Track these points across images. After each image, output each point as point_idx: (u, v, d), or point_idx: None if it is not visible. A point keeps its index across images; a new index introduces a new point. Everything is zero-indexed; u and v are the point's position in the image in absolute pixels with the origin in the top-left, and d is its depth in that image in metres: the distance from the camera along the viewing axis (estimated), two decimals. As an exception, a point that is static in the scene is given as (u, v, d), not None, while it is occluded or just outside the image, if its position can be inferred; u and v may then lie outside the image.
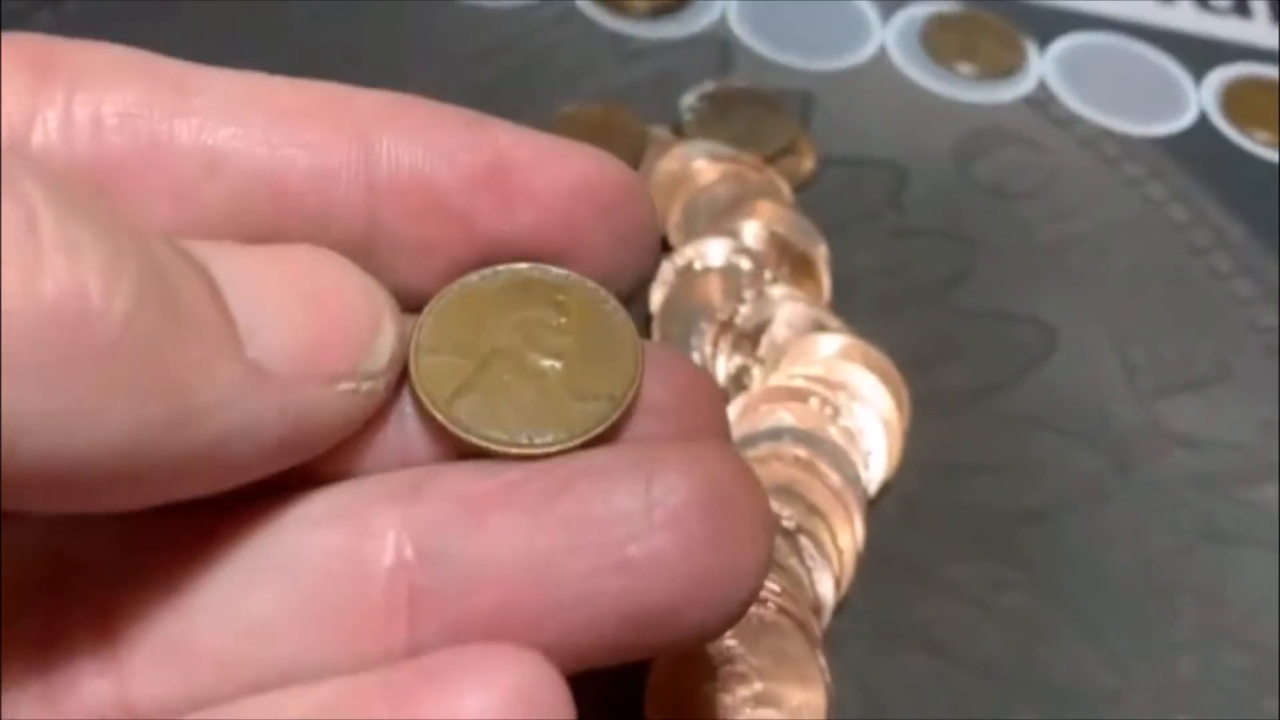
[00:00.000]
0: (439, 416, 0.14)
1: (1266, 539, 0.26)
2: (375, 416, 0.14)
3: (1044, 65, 0.35)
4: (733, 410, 0.24)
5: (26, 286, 0.10)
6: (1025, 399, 0.28)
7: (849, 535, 0.23)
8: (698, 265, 0.26)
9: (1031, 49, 0.35)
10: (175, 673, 0.13)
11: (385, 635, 0.13)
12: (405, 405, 0.15)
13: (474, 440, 0.14)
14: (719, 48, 0.34)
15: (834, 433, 0.23)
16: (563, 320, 0.15)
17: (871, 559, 0.24)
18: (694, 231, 0.27)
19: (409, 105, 0.15)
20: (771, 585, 0.21)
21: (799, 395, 0.24)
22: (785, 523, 0.22)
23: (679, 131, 0.31)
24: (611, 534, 0.13)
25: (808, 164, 0.31)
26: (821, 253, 0.27)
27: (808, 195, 0.30)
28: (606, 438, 0.14)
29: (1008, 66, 0.35)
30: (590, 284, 0.15)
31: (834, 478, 0.23)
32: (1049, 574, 0.25)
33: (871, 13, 0.36)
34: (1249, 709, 0.23)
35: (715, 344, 0.25)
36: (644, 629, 0.13)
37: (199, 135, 0.14)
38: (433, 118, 0.15)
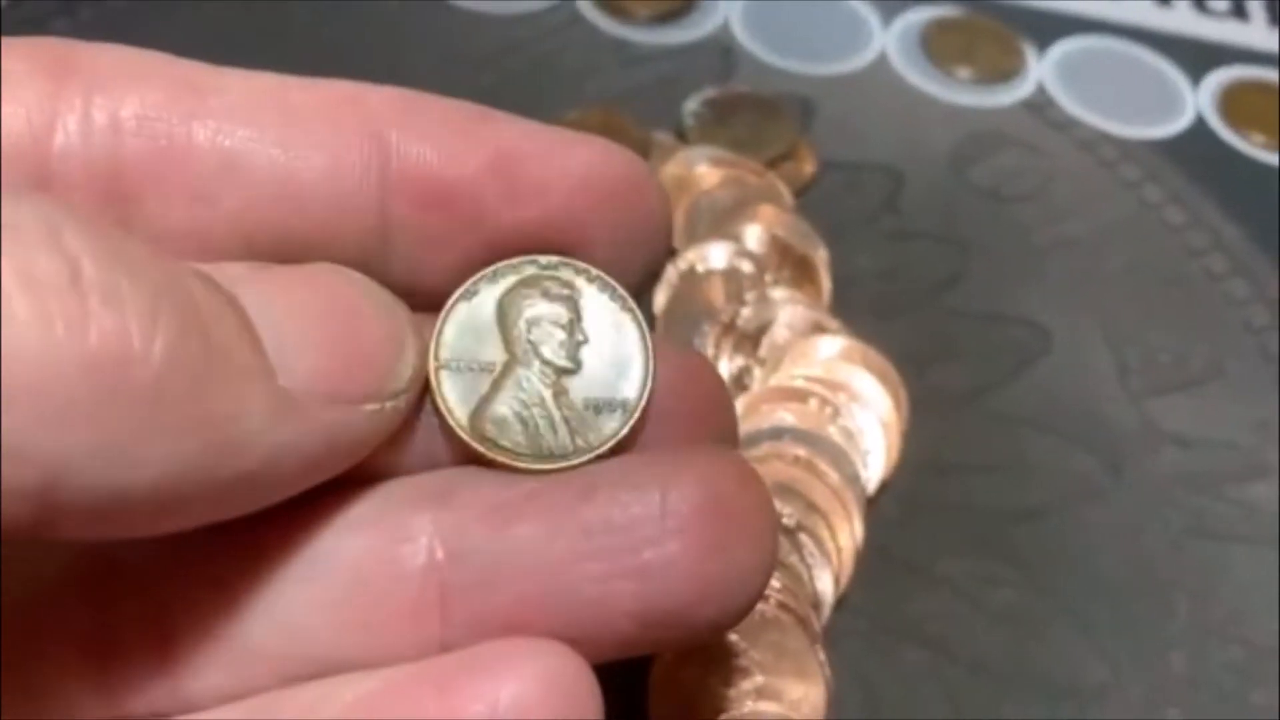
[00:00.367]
0: (463, 435, 0.15)
1: (1257, 537, 0.26)
2: (405, 424, 0.15)
3: (1043, 69, 0.35)
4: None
5: (73, 337, 0.11)
6: (1020, 399, 0.28)
7: (848, 533, 0.23)
8: (700, 268, 0.27)
9: (1030, 53, 0.36)
10: (225, 670, 0.14)
11: (419, 631, 0.14)
12: (429, 410, 0.15)
13: (497, 457, 0.15)
14: (720, 53, 0.35)
15: (833, 432, 0.24)
16: (573, 317, 0.15)
17: (869, 556, 0.24)
18: (696, 235, 0.28)
19: (418, 101, 0.15)
20: (772, 582, 0.21)
21: (799, 396, 0.24)
22: (785, 520, 0.23)
23: (681, 136, 0.31)
24: (628, 540, 0.14)
25: (808, 168, 0.31)
26: (821, 256, 0.28)
27: (808, 199, 0.31)
28: (622, 447, 0.15)
29: (1006, 70, 0.35)
30: (599, 279, 0.15)
31: (833, 477, 0.23)
32: (1043, 571, 0.25)
33: (872, 18, 0.36)
34: (1239, 704, 0.24)
35: (717, 345, 0.26)
36: (656, 628, 0.14)
37: (215, 137, 0.14)
38: (441, 113, 0.15)
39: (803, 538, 0.22)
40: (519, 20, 0.35)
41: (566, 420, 0.15)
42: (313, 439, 0.13)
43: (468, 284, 0.15)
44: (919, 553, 0.25)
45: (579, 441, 0.15)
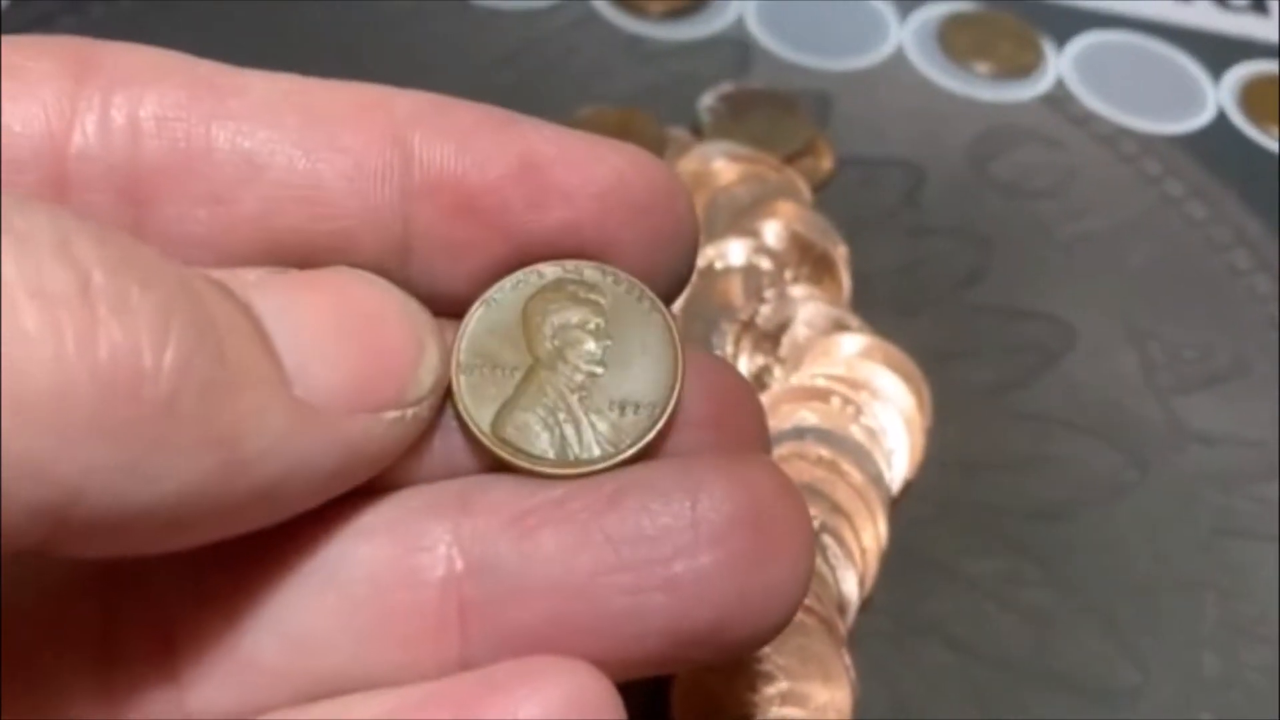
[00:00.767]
0: (484, 439, 0.14)
1: (1286, 535, 0.26)
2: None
3: (1061, 64, 0.35)
4: (755, 410, 0.24)
5: (82, 350, 0.11)
6: (1043, 396, 0.28)
7: (872, 534, 0.23)
8: (718, 265, 0.27)
9: (1049, 48, 0.35)
10: (232, 683, 0.14)
11: (438, 647, 0.13)
12: (449, 416, 0.15)
13: (519, 462, 0.14)
14: (736, 49, 0.34)
15: (856, 432, 0.24)
16: (600, 322, 0.15)
17: (893, 556, 0.24)
18: (714, 232, 0.28)
19: (443, 106, 0.15)
20: (795, 583, 0.21)
21: (821, 395, 0.24)
22: (808, 521, 0.22)
23: (697, 133, 0.31)
24: (657, 551, 0.13)
25: (826, 164, 0.31)
26: (841, 252, 0.27)
27: (826, 195, 0.30)
28: (648, 452, 0.14)
29: (1025, 65, 0.35)
30: (626, 282, 0.15)
31: (857, 477, 0.23)
32: (1069, 570, 0.25)
33: (889, 13, 0.36)
34: (1273, 705, 0.23)
35: (737, 344, 0.26)
36: (688, 645, 0.13)
37: (236, 139, 0.14)
38: (466, 117, 0.15)
39: (827, 539, 0.22)
40: (534, 17, 0.34)
41: (592, 425, 0.14)
42: (332, 450, 0.13)
43: (492, 289, 0.15)
44: (944, 552, 0.25)
45: (605, 446, 0.14)
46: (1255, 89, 0.35)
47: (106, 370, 0.11)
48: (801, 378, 0.24)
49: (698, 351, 0.15)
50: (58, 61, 0.14)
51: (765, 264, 0.27)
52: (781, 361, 0.25)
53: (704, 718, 0.20)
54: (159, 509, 0.11)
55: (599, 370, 0.15)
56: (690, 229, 0.15)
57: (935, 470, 0.26)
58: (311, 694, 0.14)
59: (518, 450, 0.14)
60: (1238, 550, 0.26)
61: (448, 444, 0.15)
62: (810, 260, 0.27)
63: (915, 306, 0.29)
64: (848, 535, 0.22)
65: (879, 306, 0.28)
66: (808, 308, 0.26)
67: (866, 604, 0.23)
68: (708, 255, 0.27)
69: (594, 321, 0.15)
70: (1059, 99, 0.34)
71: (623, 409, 0.14)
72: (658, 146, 0.30)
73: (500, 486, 0.14)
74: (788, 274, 0.26)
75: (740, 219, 0.27)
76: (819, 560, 0.21)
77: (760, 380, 0.25)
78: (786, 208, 0.27)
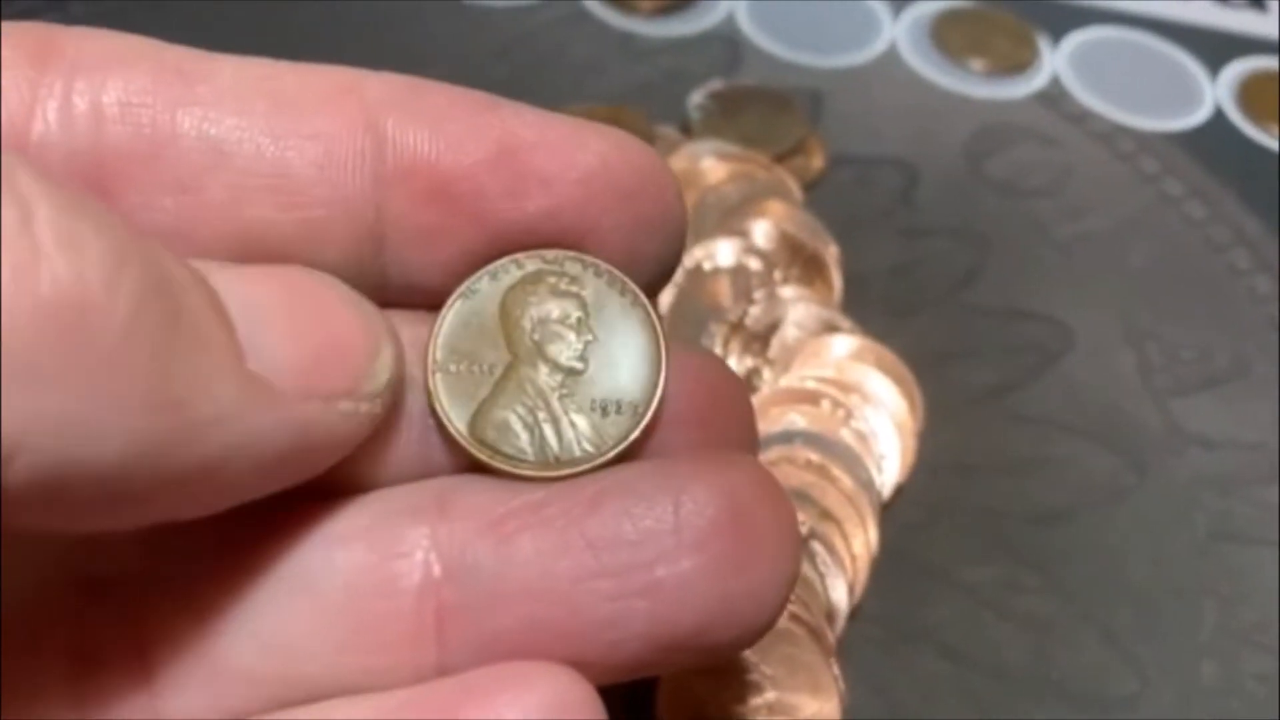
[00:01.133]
0: (462, 440, 0.14)
1: (1287, 540, 0.25)
2: (396, 428, 0.14)
3: (1056, 60, 0.35)
4: (744, 413, 0.24)
5: (22, 283, 0.10)
6: (1040, 398, 0.27)
7: (862, 540, 0.22)
8: (707, 266, 0.26)
9: (1044, 44, 0.35)
10: (206, 690, 0.13)
11: (416, 653, 0.13)
12: (426, 415, 0.14)
13: (498, 464, 0.14)
14: (727, 46, 0.34)
15: (846, 435, 0.23)
16: (580, 316, 0.14)
17: (885, 561, 0.23)
18: (703, 231, 0.27)
19: (417, 89, 0.14)
20: (784, 591, 0.20)
21: (811, 398, 0.24)
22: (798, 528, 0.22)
23: (687, 130, 0.31)
24: (639, 556, 0.13)
25: (817, 162, 0.31)
26: (833, 253, 0.27)
27: (818, 194, 0.30)
28: (631, 453, 0.14)
29: (1020, 62, 0.34)
30: (608, 274, 0.14)
31: (847, 482, 0.22)
32: (1065, 575, 0.24)
33: (882, 9, 0.35)
34: (1272, 714, 0.23)
35: (725, 345, 0.25)
36: (669, 649, 0.13)
37: (203, 125, 0.14)
38: (441, 100, 0.14)
39: (816, 546, 0.22)
40: (524, 14, 0.34)
41: (573, 424, 0.14)
42: (283, 431, 0.12)
43: (469, 281, 0.14)
44: (938, 558, 0.24)
45: (586, 447, 0.14)
46: (1253, 86, 0.35)
47: (50, 304, 0.10)
48: (791, 380, 0.24)
49: (682, 344, 0.15)
50: (17, 48, 0.14)
51: (755, 264, 0.26)
52: (771, 363, 0.25)
53: (689, 730, 0.20)
54: (102, 470, 0.11)
55: (579, 366, 0.14)
56: (677, 216, 0.15)
57: (931, 474, 0.25)
58: (288, 700, 0.13)
59: (496, 452, 0.14)
60: (1237, 555, 0.25)
61: (425, 443, 0.14)
62: (800, 261, 0.26)
63: (910, 307, 0.29)
64: (837, 542, 0.22)
65: (873, 307, 0.28)
66: (798, 309, 0.25)
67: (856, 612, 0.23)
68: (696, 256, 0.26)
69: (575, 315, 0.14)
70: (1054, 96, 0.34)
71: (604, 409, 0.14)
72: (647, 144, 0.29)
73: (479, 489, 0.14)
74: (777, 275, 0.26)
75: (729, 219, 0.27)
76: (808, 567, 0.21)
77: (750, 382, 0.25)
78: (776, 207, 0.27)
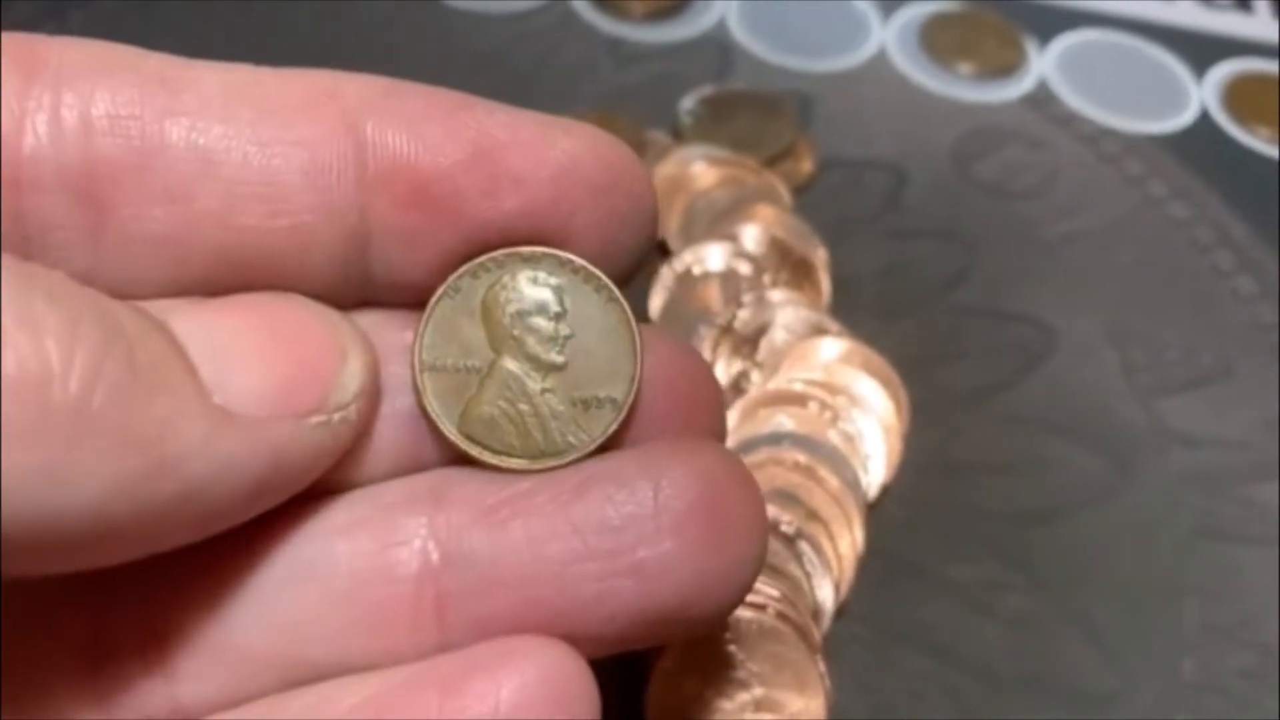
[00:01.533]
0: (452, 437, 0.15)
1: (1267, 538, 0.26)
2: (387, 427, 0.15)
3: (1044, 63, 0.35)
4: (732, 415, 0.24)
5: None
6: (1026, 399, 0.28)
7: (848, 540, 0.23)
8: (697, 270, 0.26)
9: (1032, 47, 0.35)
10: (220, 675, 0.14)
11: (416, 634, 0.14)
12: (416, 413, 0.15)
13: (488, 459, 0.15)
14: (718, 50, 0.34)
15: (833, 437, 0.23)
16: (559, 311, 0.15)
17: (873, 561, 0.24)
18: (693, 236, 0.27)
19: (394, 91, 0.15)
20: (771, 591, 0.21)
21: (798, 400, 0.24)
22: (785, 528, 0.22)
23: (678, 135, 0.31)
24: (623, 539, 0.14)
25: (807, 166, 0.31)
26: (821, 256, 0.27)
27: (807, 197, 0.30)
28: (612, 444, 0.15)
29: (1008, 65, 0.35)
30: (584, 270, 0.15)
31: (833, 483, 0.23)
32: (1050, 575, 0.25)
33: (871, 13, 0.36)
34: (1253, 710, 0.23)
35: (715, 348, 0.25)
36: (652, 624, 0.14)
37: (190, 135, 0.14)
38: (419, 103, 0.15)
39: (803, 545, 0.22)
40: (514, 20, 0.34)
41: (556, 417, 0.15)
42: (258, 455, 0.13)
43: (450, 280, 0.15)
44: (925, 557, 0.25)
45: (569, 439, 0.15)
46: (1238, 88, 0.35)
47: (14, 379, 0.11)
48: (779, 382, 0.24)
49: (655, 333, 0.15)
50: (8, 63, 0.14)
51: (744, 268, 0.26)
52: (760, 366, 0.25)
53: (678, 727, 0.20)
54: (84, 513, 0.11)
55: (559, 360, 0.15)
56: (649, 207, 0.15)
57: (917, 474, 0.26)
58: (297, 681, 0.14)
59: (485, 448, 0.15)
60: (1219, 553, 0.25)
61: (416, 440, 0.15)
62: (789, 264, 0.27)
63: (898, 309, 0.29)
64: (824, 542, 0.22)
65: (862, 309, 0.28)
66: (786, 312, 0.25)
67: (842, 611, 0.23)
68: (686, 260, 0.27)
69: (553, 310, 0.15)
70: (1042, 99, 0.34)
71: (585, 403, 0.15)
72: (637, 149, 0.30)
73: (471, 480, 0.15)
74: (766, 278, 0.26)
75: (719, 223, 0.27)
76: (794, 567, 0.21)
77: (738, 385, 0.25)
78: (765, 212, 0.27)
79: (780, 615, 0.20)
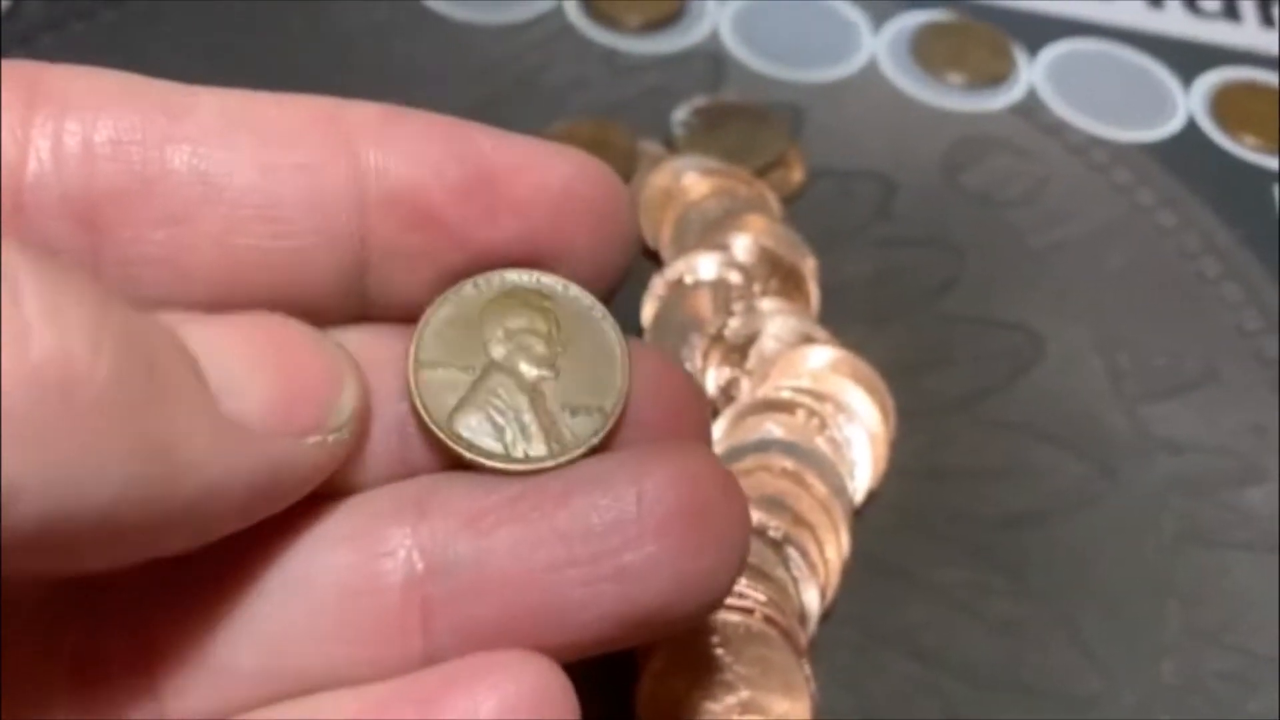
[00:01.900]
0: (439, 433, 0.15)
1: (1253, 542, 0.26)
2: (376, 437, 0.15)
3: (1033, 73, 0.35)
4: (722, 422, 0.25)
5: (14, 353, 0.11)
6: (1013, 405, 0.28)
7: (835, 546, 0.23)
8: (688, 279, 0.27)
9: (1021, 56, 0.36)
10: (207, 689, 0.14)
11: (402, 645, 0.14)
12: (405, 418, 0.15)
13: (474, 458, 0.15)
14: (710, 62, 0.35)
15: (821, 444, 0.24)
16: (552, 329, 0.16)
17: (859, 565, 0.24)
18: (684, 246, 0.28)
19: (396, 118, 0.15)
20: (758, 595, 0.21)
21: (787, 407, 0.24)
22: (772, 533, 0.22)
23: (671, 146, 0.31)
24: (606, 544, 0.14)
25: (797, 176, 0.31)
26: (810, 266, 0.28)
27: (798, 207, 0.31)
28: (598, 450, 0.15)
29: (997, 75, 0.35)
30: (575, 289, 0.16)
31: (820, 488, 0.23)
32: (1035, 578, 0.25)
33: (862, 24, 0.36)
34: (1235, 712, 0.24)
35: (705, 357, 0.26)
36: (635, 626, 0.14)
37: (191, 161, 0.14)
38: (418, 128, 0.15)
39: (790, 550, 0.22)
40: (508, 31, 0.35)
41: (543, 428, 0.15)
42: (257, 469, 0.13)
43: (447, 292, 0.16)
44: (911, 561, 0.25)
45: (554, 447, 0.15)
46: (1226, 96, 0.35)
47: (40, 372, 0.11)
48: (768, 390, 0.25)
49: (643, 348, 0.16)
50: (7, 88, 0.14)
51: (735, 278, 0.27)
52: (749, 374, 0.26)
53: (666, 729, 0.20)
54: (94, 514, 0.12)
55: (548, 374, 0.15)
56: (632, 230, 0.16)
57: (904, 479, 0.26)
58: (284, 695, 0.14)
59: (471, 445, 0.15)
60: (1202, 557, 0.26)
61: (405, 448, 0.15)
62: (779, 274, 0.27)
63: (888, 316, 0.29)
64: (810, 547, 0.22)
65: (851, 317, 0.28)
66: (776, 321, 0.26)
67: (829, 614, 0.23)
68: (678, 269, 0.27)
69: (547, 328, 0.16)
70: (1031, 108, 0.34)
71: (574, 411, 0.15)
72: (630, 160, 0.30)
73: (455, 488, 0.15)
74: (757, 288, 0.27)
75: (711, 233, 0.28)
76: (781, 571, 0.22)
77: (728, 392, 0.26)
78: (756, 222, 0.28)
79: (767, 619, 0.21)
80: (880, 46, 0.36)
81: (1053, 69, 0.35)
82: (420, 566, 0.14)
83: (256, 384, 0.14)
